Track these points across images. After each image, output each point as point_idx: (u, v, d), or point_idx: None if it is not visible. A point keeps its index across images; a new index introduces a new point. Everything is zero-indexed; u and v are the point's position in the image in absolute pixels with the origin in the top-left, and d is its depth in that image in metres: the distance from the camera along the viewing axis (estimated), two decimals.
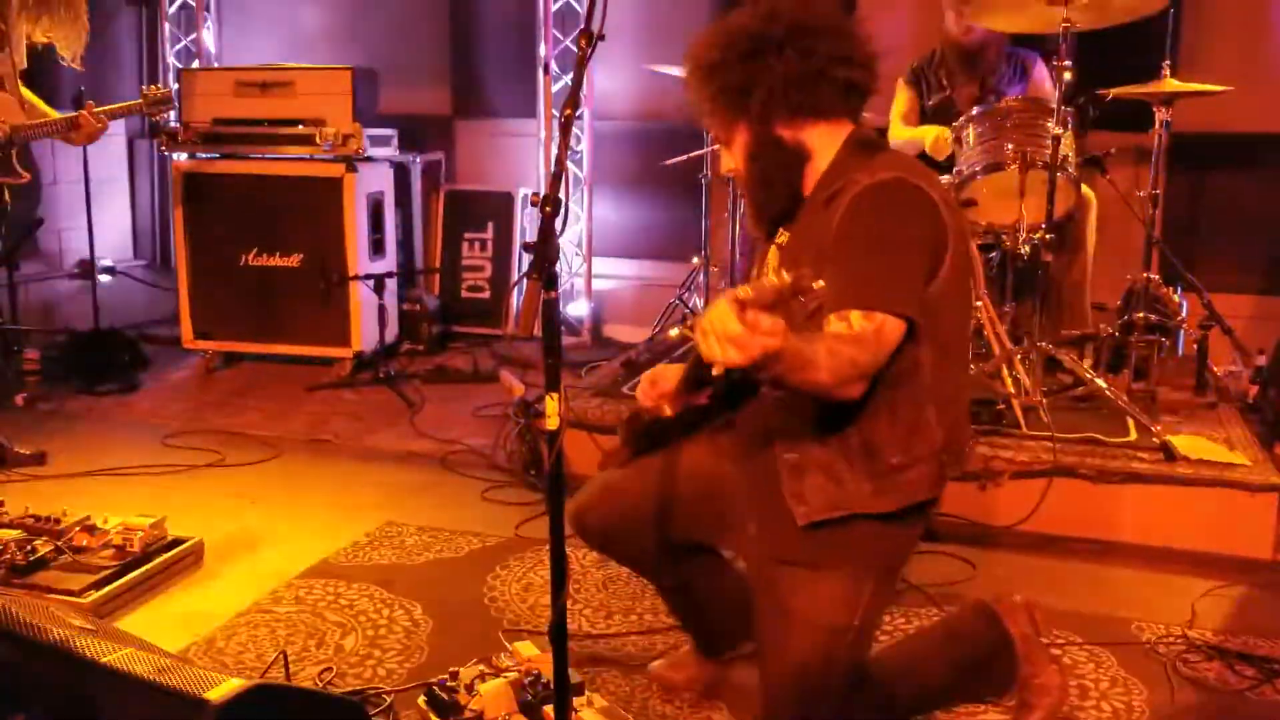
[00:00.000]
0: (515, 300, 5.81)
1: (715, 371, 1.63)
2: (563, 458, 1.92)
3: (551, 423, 1.97)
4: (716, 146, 2.07)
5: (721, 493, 2.21)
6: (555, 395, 1.97)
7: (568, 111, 2.00)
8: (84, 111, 4.00)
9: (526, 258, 5.96)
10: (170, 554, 3.13)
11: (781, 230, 2.12)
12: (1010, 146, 3.90)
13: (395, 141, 5.70)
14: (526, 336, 1.99)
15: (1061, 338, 4.26)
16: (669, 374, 2.20)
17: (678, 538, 2.28)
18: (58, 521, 3.18)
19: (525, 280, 1.83)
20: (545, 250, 1.91)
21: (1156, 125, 4.15)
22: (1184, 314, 4.31)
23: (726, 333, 1.56)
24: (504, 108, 6.24)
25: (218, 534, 3.38)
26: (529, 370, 4.81)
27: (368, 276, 5.19)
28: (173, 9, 6.37)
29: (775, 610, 2.04)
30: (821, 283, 1.56)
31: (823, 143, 2.02)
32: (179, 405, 4.84)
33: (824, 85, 1.98)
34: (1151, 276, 4.22)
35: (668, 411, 2.14)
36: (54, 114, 4.09)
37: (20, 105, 3.98)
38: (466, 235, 6.18)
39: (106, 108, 4.06)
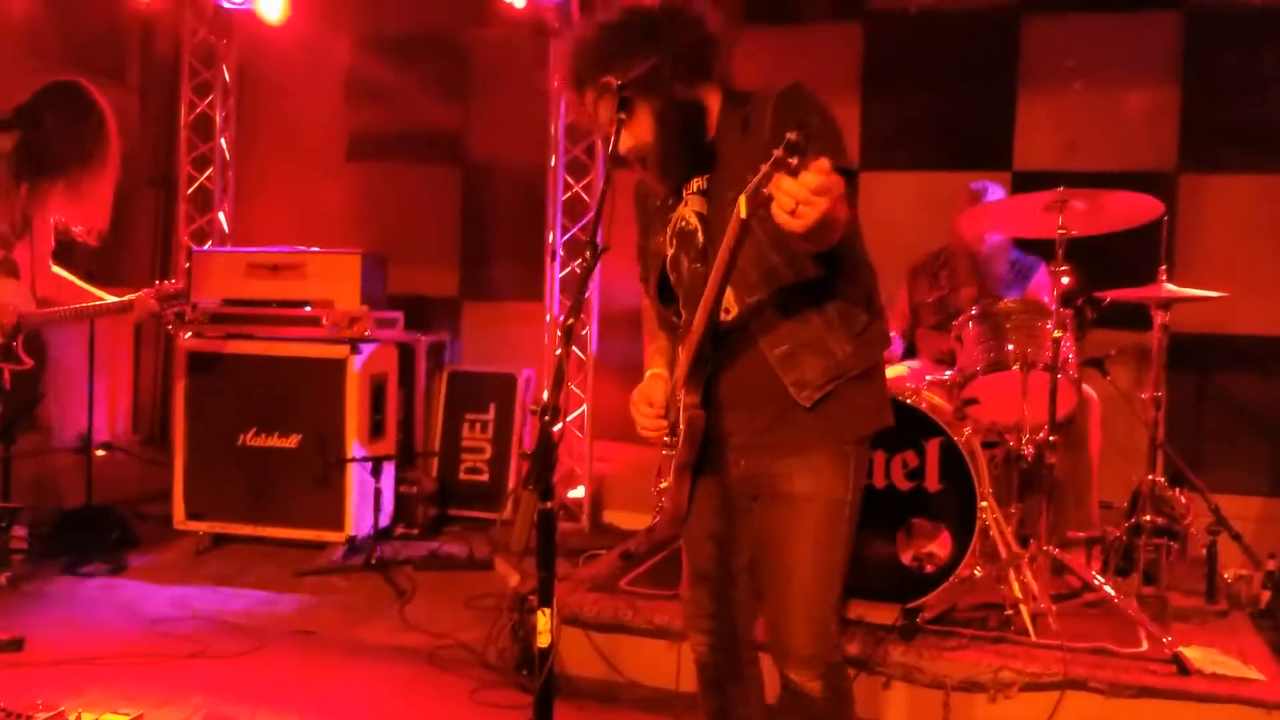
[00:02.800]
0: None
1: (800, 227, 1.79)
2: (554, 669, 1.86)
3: (543, 640, 1.91)
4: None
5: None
6: (548, 611, 1.91)
7: (570, 320, 2.01)
8: (141, 295, 4.16)
9: (529, 436, 5.99)
10: None
11: (692, 184, 2.32)
12: (1011, 347, 3.91)
13: (401, 323, 5.75)
14: (521, 549, 1.93)
15: (1068, 539, 4.19)
16: (655, 390, 2.40)
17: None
18: (30, 717, 3.05)
19: (522, 491, 1.82)
20: (544, 460, 1.88)
21: (1155, 328, 4.18)
22: (1191, 516, 4.24)
23: (814, 191, 1.74)
24: (510, 290, 6.32)
25: None
26: (525, 558, 4.71)
27: (365, 459, 5.15)
28: (190, 190, 6.52)
29: (781, 508, 2.25)
30: (793, 134, 1.73)
31: (710, 97, 2.30)
32: (165, 589, 4.71)
33: (706, 49, 2.27)
34: (1157, 480, 4.17)
35: (700, 415, 2.27)
36: (106, 296, 4.18)
37: (33, 294, 4.02)
38: (468, 416, 6.16)
39: (127, 298, 4.15)
